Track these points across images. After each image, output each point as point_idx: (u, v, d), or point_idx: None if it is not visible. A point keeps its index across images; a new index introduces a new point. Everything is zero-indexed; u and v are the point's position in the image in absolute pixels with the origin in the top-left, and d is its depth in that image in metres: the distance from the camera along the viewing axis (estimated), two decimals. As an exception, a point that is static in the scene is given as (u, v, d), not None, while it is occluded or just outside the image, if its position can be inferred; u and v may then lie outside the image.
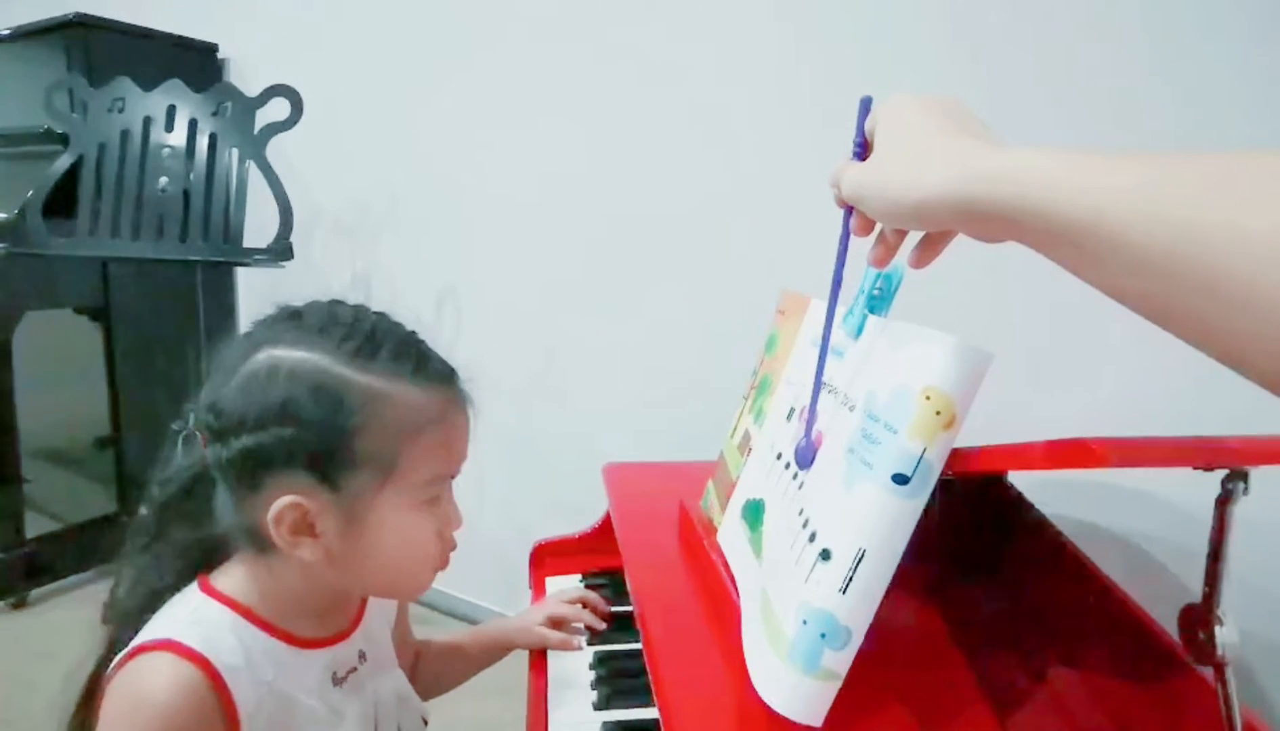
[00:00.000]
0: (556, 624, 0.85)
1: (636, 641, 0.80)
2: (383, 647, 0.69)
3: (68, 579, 1.97)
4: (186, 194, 1.56)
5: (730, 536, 0.71)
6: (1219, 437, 0.41)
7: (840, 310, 0.60)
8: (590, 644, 0.84)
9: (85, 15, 1.88)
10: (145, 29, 2.01)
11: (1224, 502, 0.44)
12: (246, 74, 2.12)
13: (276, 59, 2.04)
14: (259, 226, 1.58)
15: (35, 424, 1.89)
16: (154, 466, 0.60)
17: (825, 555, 0.48)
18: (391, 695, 0.67)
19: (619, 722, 0.72)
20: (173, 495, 0.58)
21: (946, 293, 0.81)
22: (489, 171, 1.71)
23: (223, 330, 2.00)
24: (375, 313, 0.60)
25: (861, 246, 0.52)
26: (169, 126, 1.57)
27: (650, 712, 0.71)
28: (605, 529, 0.97)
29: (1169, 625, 0.50)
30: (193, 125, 1.57)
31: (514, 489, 1.75)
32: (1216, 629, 0.44)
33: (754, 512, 0.67)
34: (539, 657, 0.83)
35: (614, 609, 0.88)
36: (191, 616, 0.56)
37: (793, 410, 0.66)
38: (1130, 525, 0.94)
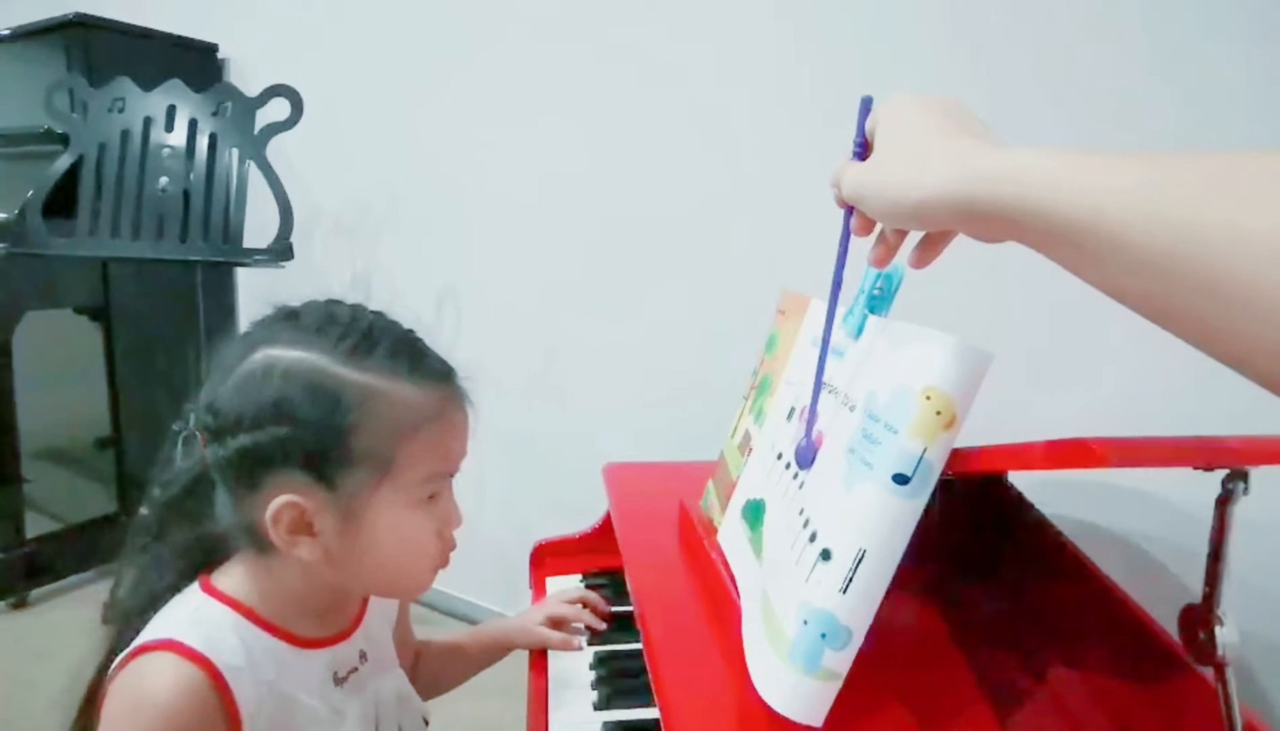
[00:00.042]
0: (557, 624, 0.85)
1: (637, 641, 0.80)
2: (384, 647, 0.69)
3: (68, 579, 1.97)
4: (186, 194, 1.56)
5: (730, 536, 0.71)
6: (1219, 437, 0.41)
7: (840, 310, 0.60)
8: (590, 644, 0.84)
9: (85, 15, 1.88)
10: (145, 29, 2.01)
11: (1224, 502, 0.44)
12: (246, 74, 2.12)
13: (276, 59, 2.04)
14: (259, 226, 1.58)
15: (35, 424, 1.89)
16: (154, 466, 0.60)
17: (826, 555, 0.48)
18: (392, 695, 0.67)
19: (619, 722, 0.72)
20: (173, 495, 0.59)
21: (946, 293, 0.81)
22: (489, 171, 1.71)
23: (223, 330, 1.99)
24: (372, 311, 0.60)
25: (862, 246, 0.52)
26: (169, 126, 1.57)
27: (650, 712, 0.71)
28: (605, 529, 0.97)
29: (1169, 625, 0.50)
30: (193, 125, 1.57)
31: (514, 489, 1.75)
32: (1216, 629, 0.44)
33: (754, 512, 0.67)
34: (539, 657, 0.83)
35: (614, 609, 0.88)
36: (193, 616, 0.56)
37: (793, 410, 0.66)
38: (1130, 525, 0.94)
